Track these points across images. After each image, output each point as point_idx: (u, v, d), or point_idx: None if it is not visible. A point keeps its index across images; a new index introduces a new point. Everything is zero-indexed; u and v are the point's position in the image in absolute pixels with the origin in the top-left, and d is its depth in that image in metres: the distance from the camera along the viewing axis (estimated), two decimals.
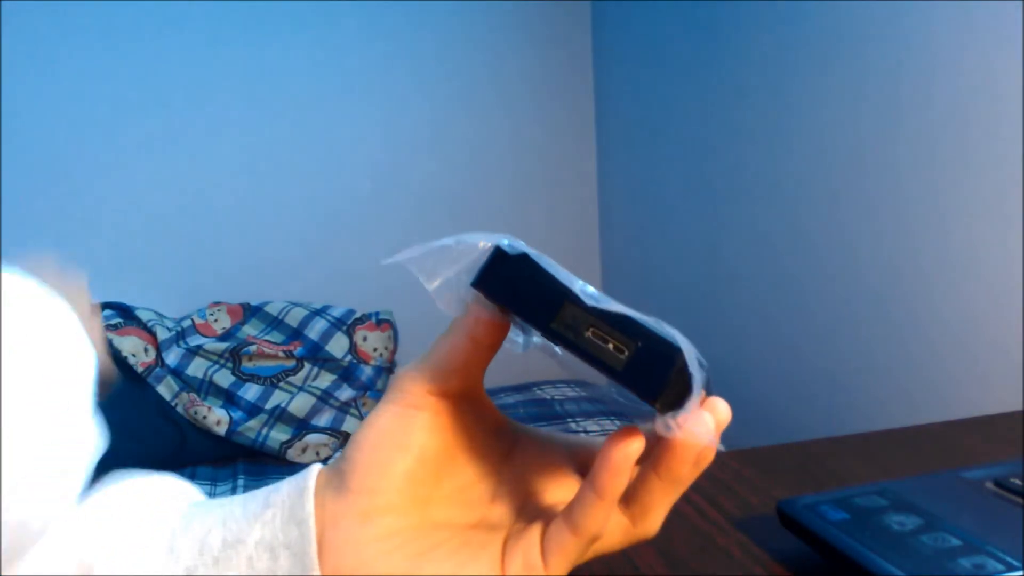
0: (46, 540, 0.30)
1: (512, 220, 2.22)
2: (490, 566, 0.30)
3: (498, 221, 2.21)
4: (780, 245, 1.51)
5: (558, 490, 0.33)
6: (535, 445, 0.34)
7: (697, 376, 0.26)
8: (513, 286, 0.28)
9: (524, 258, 0.28)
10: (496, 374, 1.32)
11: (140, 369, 1.51)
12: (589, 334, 0.27)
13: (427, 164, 2.14)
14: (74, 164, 1.89)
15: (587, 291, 0.28)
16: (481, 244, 0.29)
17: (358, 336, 1.67)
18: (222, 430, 1.47)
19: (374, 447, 0.30)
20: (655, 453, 0.29)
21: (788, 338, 1.50)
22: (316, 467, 0.32)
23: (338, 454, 0.31)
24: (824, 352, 1.40)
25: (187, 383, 1.54)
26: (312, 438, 1.51)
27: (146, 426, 1.47)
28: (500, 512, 0.32)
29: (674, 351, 0.26)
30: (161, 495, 0.33)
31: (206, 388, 1.55)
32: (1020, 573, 0.36)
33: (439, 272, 0.30)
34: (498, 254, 0.29)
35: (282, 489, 0.31)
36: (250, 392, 1.55)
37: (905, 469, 0.55)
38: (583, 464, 0.34)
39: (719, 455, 0.56)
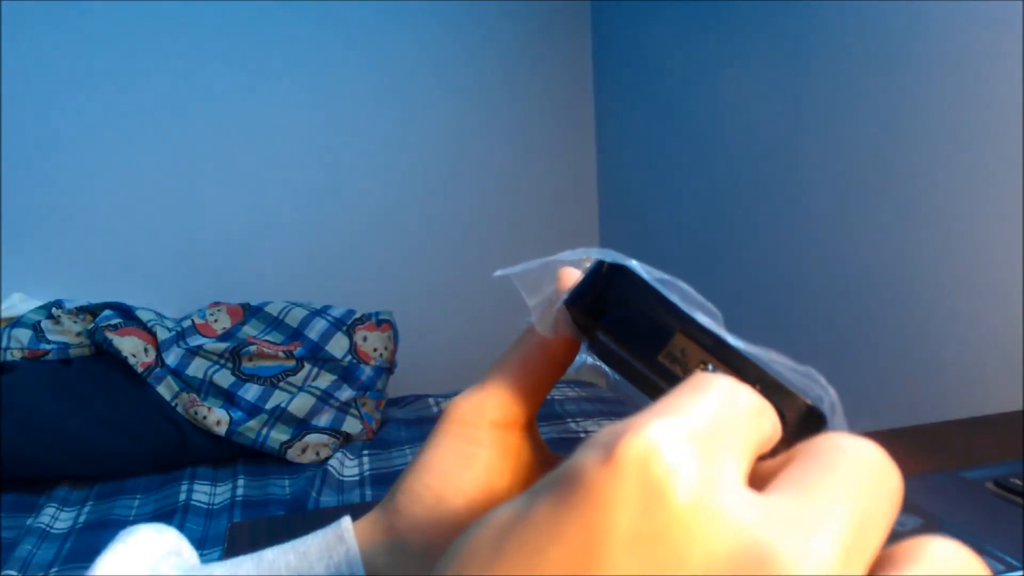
0: None
1: (512, 220, 2.22)
2: None
3: (498, 221, 2.21)
4: (781, 246, 1.51)
5: None
6: None
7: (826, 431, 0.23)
8: (617, 308, 0.24)
9: (632, 276, 0.24)
10: None
11: (140, 369, 1.51)
12: (698, 371, 0.23)
13: (427, 164, 2.14)
14: (74, 163, 1.89)
15: (704, 321, 0.24)
16: (584, 259, 0.26)
17: (358, 336, 1.66)
18: (222, 430, 1.47)
19: (435, 496, 0.25)
20: None
21: (788, 338, 1.49)
22: (353, 538, 0.26)
23: (378, 502, 0.28)
24: (824, 352, 1.40)
25: (187, 383, 1.54)
26: (312, 438, 1.51)
27: (146, 426, 1.47)
28: None
29: (795, 402, 0.23)
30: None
31: (206, 388, 1.55)
32: (1020, 573, 0.36)
33: (541, 288, 0.26)
34: (600, 270, 0.25)
35: None
36: (250, 392, 1.54)
37: (905, 469, 0.55)
38: None
39: None
